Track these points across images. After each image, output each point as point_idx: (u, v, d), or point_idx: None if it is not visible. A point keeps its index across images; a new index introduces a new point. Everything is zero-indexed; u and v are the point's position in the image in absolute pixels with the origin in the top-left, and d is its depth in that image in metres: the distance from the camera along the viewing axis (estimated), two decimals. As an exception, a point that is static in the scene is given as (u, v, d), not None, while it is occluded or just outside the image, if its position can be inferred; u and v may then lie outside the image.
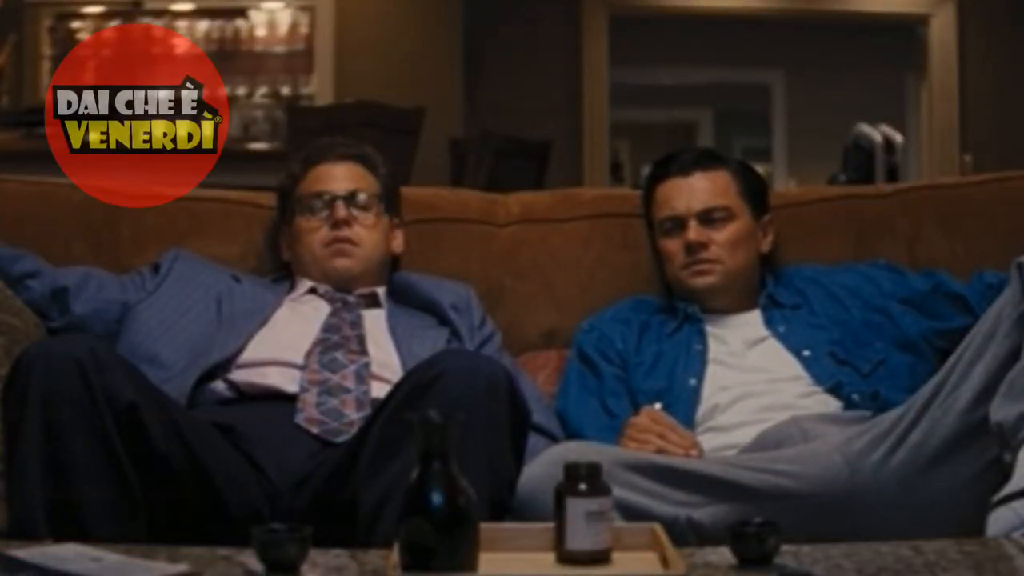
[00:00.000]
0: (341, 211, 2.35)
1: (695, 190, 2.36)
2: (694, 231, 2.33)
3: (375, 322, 2.29)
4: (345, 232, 2.35)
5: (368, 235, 2.37)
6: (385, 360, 2.19)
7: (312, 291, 2.36)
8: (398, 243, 2.47)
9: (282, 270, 2.47)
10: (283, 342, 2.20)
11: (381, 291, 2.39)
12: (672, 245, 2.37)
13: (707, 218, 2.35)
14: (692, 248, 2.34)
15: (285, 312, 2.31)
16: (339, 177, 2.40)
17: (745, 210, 2.38)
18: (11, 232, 2.38)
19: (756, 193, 2.42)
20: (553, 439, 2.18)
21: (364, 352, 2.18)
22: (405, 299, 2.39)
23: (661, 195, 2.40)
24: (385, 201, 2.43)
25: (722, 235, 2.34)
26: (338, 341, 2.20)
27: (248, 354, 2.19)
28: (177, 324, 2.26)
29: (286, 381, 2.13)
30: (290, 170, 2.46)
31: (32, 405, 1.75)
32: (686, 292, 2.37)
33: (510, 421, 1.85)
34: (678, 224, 2.36)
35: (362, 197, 2.38)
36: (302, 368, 2.14)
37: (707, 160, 2.41)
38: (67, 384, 1.75)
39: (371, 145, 2.54)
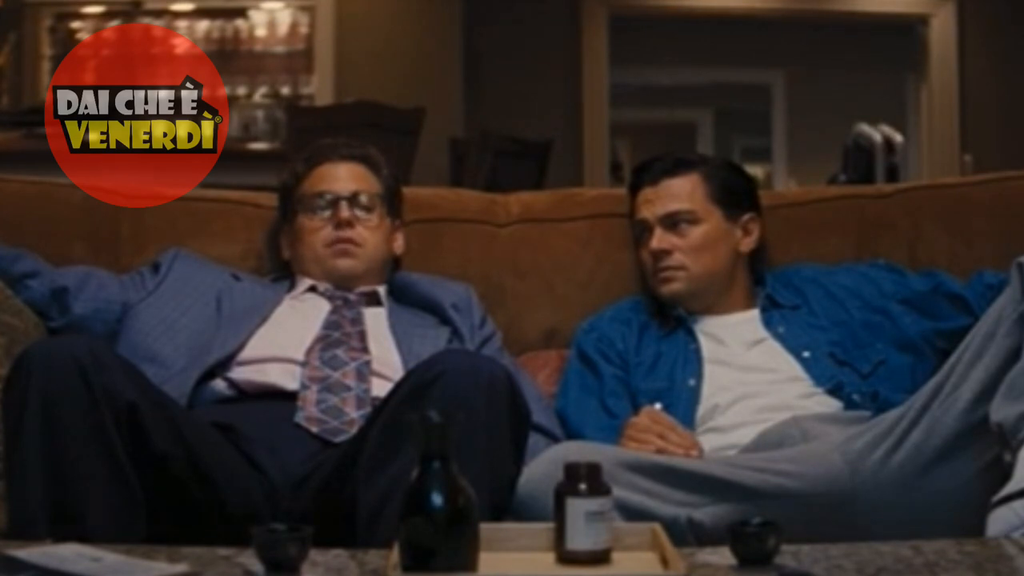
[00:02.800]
0: (344, 212, 2.35)
1: (660, 197, 2.38)
2: (657, 238, 2.36)
3: (376, 320, 2.29)
4: (348, 233, 2.35)
5: (371, 236, 2.37)
6: (386, 358, 2.19)
7: (312, 289, 2.36)
8: (399, 244, 2.47)
9: (281, 270, 2.47)
10: (284, 339, 2.20)
11: (382, 290, 2.39)
12: (643, 253, 2.40)
13: (670, 223, 2.36)
14: (656, 256, 2.36)
15: (285, 310, 2.31)
16: (342, 177, 2.40)
17: (715, 212, 2.38)
18: (11, 232, 2.38)
19: (733, 193, 2.42)
20: (554, 439, 2.18)
21: (365, 349, 2.18)
22: (405, 298, 2.39)
23: (635, 204, 2.44)
24: (387, 202, 2.43)
25: (686, 240, 2.35)
26: (339, 338, 2.20)
27: (248, 351, 2.19)
28: (177, 323, 2.26)
29: (286, 378, 2.13)
30: (293, 169, 2.46)
31: (32, 405, 1.75)
32: (662, 297, 2.38)
33: (510, 421, 1.85)
34: (646, 231, 2.38)
35: (365, 198, 2.38)
36: (303, 365, 2.14)
37: (675, 166, 2.41)
38: (67, 384, 1.75)
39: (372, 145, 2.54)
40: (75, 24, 6.77)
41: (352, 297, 2.33)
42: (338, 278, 2.35)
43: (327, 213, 2.36)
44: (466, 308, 2.37)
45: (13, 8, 6.54)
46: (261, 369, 2.16)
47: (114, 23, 6.74)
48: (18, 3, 6.60)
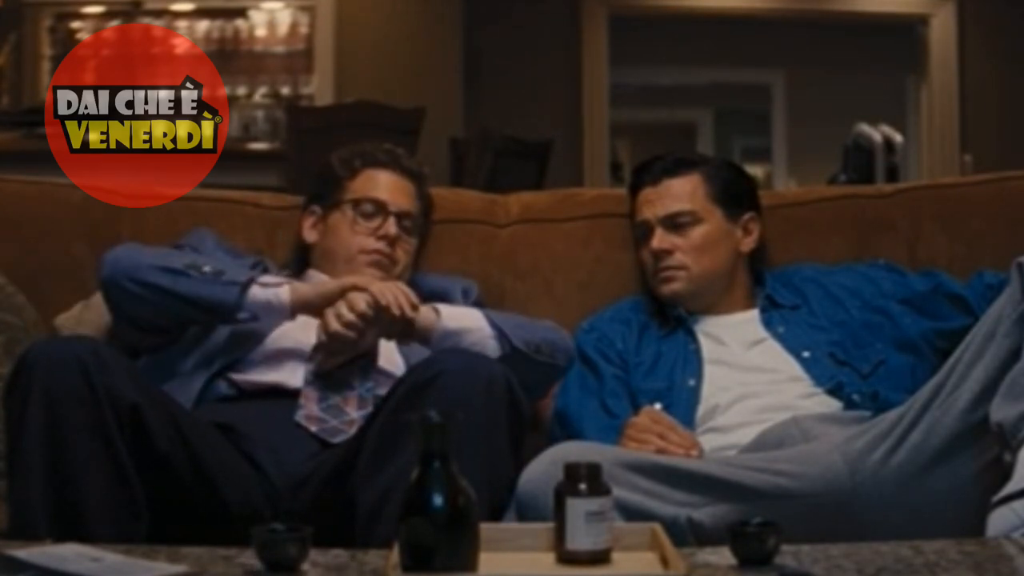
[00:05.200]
0: (392, 228, 2.34)
1: (661, 197, 2.39)
2: (658, 239, 2.36)
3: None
4: (389, 251, 2.33)
5: (404, 258, 2.36)
6: (388, 357, 2.19)
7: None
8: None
9: (284, 268, 2.46)
10: (289, 337, 2.19)
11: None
12: (644, 253, 2.40)
13: (672, 224, 2.36)
14: (657, 256, 2.36)
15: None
16: (398, 191, 2.38)
17: (716, 212, 2.38)
18: (11, 232, 2.38)
19: (734, 193, 2.42)
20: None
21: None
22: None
23: (636, 204, 2.44)
24: (421, 224, 2.43)
25: (687, 240, 2.35)
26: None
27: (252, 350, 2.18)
28: None
29: (289, 376, 2.13)
30: (348, 161, 2.42)
31: (34, 404, 1.76)
32: (662, 297, 2.38)
33: (508, 421, 1.85)
34: (647, 231, 2.38)
35: (409, 222, 2.38)
36: (307, 361, 2.13)
37: (676, 166, 2.41)
38: (69, 384, 1.76)
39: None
40: (75, 24, 6.76)
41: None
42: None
43: (375, 223, 2.35)
44: (472, 298, 2.37)
45: (13, 8, 6.53)
46: (265, 366, 2.16)
47: (114, 23, 6.73)
48: (18, 3, 6.59)
